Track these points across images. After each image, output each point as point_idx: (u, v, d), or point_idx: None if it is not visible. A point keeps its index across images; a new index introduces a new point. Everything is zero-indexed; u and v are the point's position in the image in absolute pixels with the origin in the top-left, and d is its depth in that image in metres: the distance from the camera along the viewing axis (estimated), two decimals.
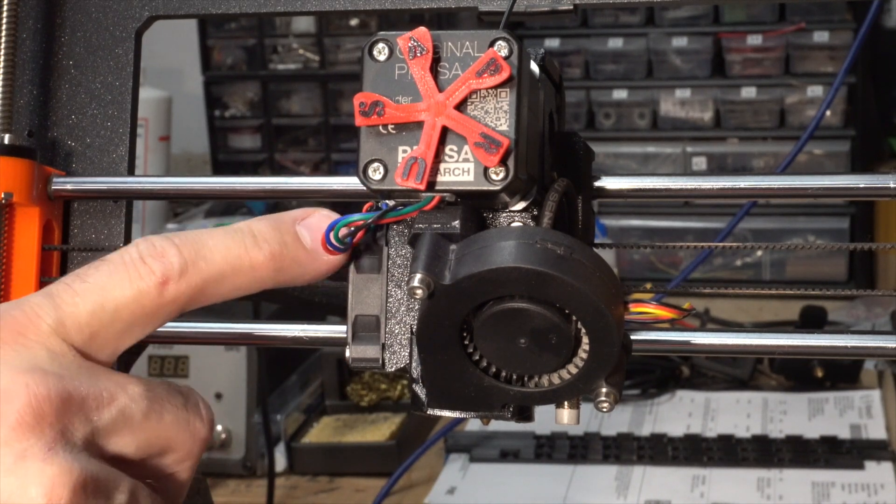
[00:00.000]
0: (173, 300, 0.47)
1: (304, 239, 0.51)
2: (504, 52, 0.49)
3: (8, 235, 0.69)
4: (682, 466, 1.50)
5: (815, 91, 2.54)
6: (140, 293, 0.46)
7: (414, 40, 0.50)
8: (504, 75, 0.48)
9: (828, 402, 1.68)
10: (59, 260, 0.72)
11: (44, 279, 0.71)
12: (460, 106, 0.49)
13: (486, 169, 0.48)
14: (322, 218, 0.52)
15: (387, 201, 0.51)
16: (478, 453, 1.55)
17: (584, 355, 0.48)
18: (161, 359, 1.57)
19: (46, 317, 0.45)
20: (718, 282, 2.57)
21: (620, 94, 2.65)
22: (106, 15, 0.74)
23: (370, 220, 0.51)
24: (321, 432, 1.64)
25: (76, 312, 0.45)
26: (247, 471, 1.56)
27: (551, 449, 1.55)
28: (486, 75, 0.49)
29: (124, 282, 0.46)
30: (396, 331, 0.53)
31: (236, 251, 0.49)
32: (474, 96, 0.49)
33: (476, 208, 0.51)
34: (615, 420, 1.63)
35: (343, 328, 0.62)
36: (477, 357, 0.49)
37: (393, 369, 0.53)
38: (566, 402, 0.52)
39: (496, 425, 1.52)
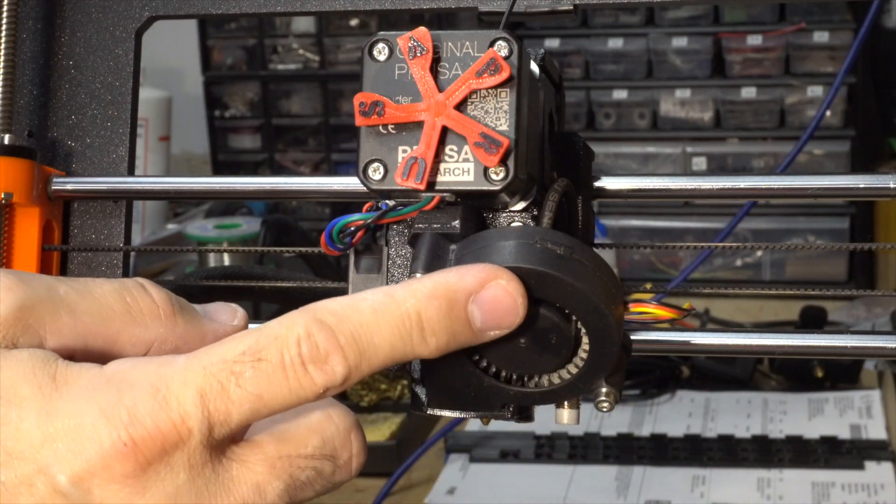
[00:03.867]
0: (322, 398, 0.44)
1: (473, 321, 0.45)
2: (504, 53, 0.49)
3: (8, 235, 0.69)
4: (682, 467, 1.50)
5: (815, 91, 2.54)
6: (297, 401, 0.43)
7: (414, 40, 0.49)
8: (504, 75, 0.48)
9: (828, 402, 1.68)
10: (58, 260, 0.72)
11: None
12: (460, 106, 0.49)
13: (486, 169, 0.48)
14: (503, 292, 0.45)
15: (387, 201, 0.51)
16: (478, 453, 1.55)
17: (584, 355, 0.48)
18: None
19: (197, 432, 0.41)
20: (718, 282, 2.58)
21: (620, 94, 2.65)
22: (106, 15, 0.74)
23: (370, 220, 0.51)
24: None
25: (228, 422, 0.42)
26: None
27: (551, 449, 1.55)
28: (486, 75, 0.49)
29: (283, 391, 0.42)
30: None
31: (401, 350, 0.44)
32: (474, 96, 0.49)
33: (476, 208, 0.51)
34: (615, 420, 1.63)
35: None
36: (477, 357, 0.49)
37: (393, 369, 0.53)
38: (566, 402, 0.52)
39: (496, 425, 1.52)
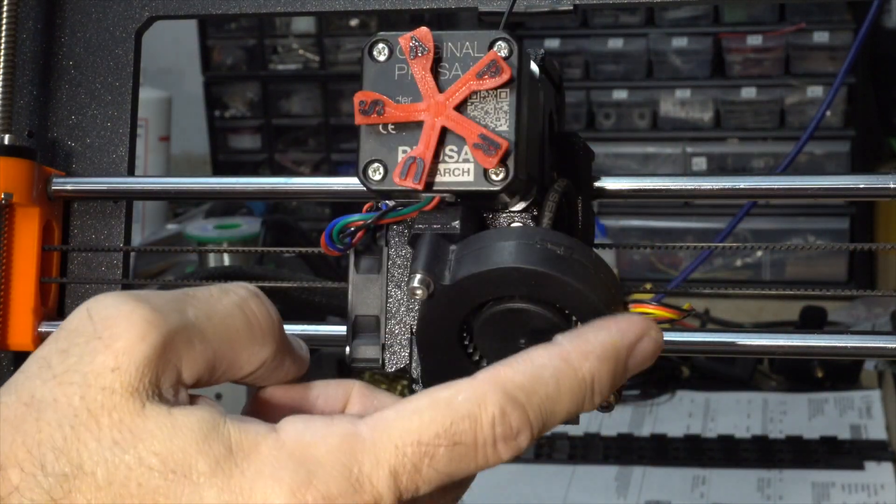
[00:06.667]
0: None
1: (627, 372, 0.45)
2: (504, 53, 0.49)
3: (8, 235, 0.69)
4: (682, 467, 1.50)
5: (815, 91, 2.54)
6: (478, 471, 0.42)
7: (416, 40, 0.49)
8: (505, 77, 0.48)
9: (828, 402, 1.68)
10: (58, 260, 0.72)
11: (44, 279, 0.71)
12: (460, 106, 0.49)
13: (486, 169, 0.48)
14: (654, 345, 0.46)
15: (387, 202, 0.51)
16: None
17: None
18: None
19: None
20: (718, 282, 2.58)
21: (620, 95, 2.65)
22: (106, 15, 0.74)
23: (370, 221, 0.51)
24: None
25: (414, 495, 0.41)
26: None
27: (551, 449, 1.55)
28: (486, 77, 0.48)
29: (471, 466, 0.41)
30: (396, 331, 0.53)
31: (575, 412, 0.44)
32: (474, 97, 0.49)
33: (476, 209, 0.51)
34: (615, 420, 1.63)
35: (343, 328, 0.62)
36: (477, 357, 0.49)
37: (393, 369, 0.53)
38: None
39: None
